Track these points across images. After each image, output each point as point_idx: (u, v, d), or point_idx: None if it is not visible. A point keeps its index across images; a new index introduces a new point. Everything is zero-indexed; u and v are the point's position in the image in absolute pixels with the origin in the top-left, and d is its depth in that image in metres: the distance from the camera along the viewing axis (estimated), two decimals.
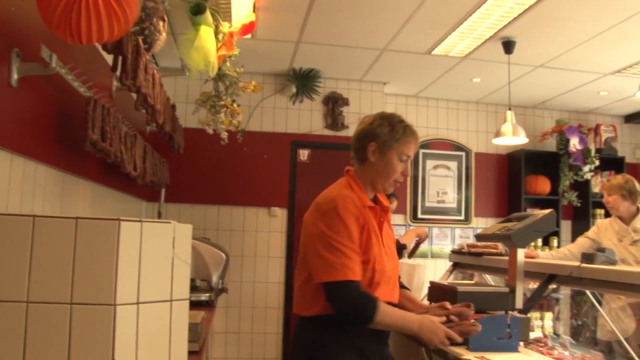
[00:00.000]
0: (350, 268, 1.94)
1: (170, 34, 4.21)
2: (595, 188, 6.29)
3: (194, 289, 3.41)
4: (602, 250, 2.68)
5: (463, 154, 6.45)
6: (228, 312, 5.50)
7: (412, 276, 3.82)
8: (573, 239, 4.96)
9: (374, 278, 2.03)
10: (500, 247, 3.28)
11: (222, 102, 3.89)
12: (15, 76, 1.95)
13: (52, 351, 1.31)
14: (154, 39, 2.84)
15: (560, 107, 6.56)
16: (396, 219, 6.08)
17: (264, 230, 5.62)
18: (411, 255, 3.39)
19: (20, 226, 1.34)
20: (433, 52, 4.85)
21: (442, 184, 6.39)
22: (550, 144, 6.49)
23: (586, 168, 6.23)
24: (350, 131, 5.76)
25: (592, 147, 6.33)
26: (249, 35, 4.08)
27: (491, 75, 5.41)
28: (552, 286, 2.80)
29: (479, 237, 3.23)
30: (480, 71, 5.34)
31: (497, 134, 4.94)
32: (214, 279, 3.55)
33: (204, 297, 3.46)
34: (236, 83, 3.92)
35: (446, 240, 6.33)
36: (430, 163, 6.35)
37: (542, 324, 3.41)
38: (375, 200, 2.21)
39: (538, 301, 2.93)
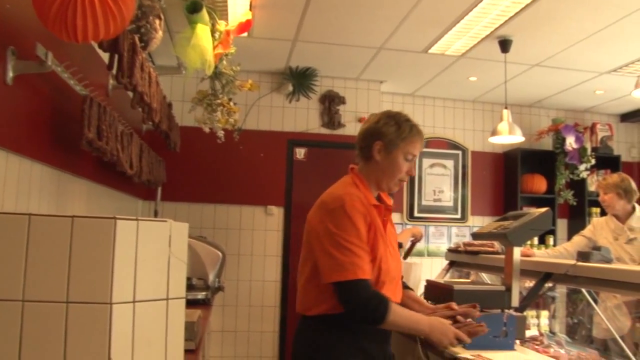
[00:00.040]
0: (360, 267, 1.93)
1: (167, 32, 4.19)
2: (591, 187, 6.30)
3: (190, 287, 3.41)
4: (597, 248, 2.69)
5: (459, 152, 6.46)
6: (224, 310, 5.50)
7: (408, 274, 3.81)
8: (569, 238, 4.98)
9: (380, 277, 2.02)
10: (497, 245, 3.28)
11: (219, 101, 3.88)
12: (10, 74, 1.95)
13: (48, 350, 1.30)
14: (150, 37, 2.83)
15: (557, 105, 6.57)
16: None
17: (260, 229, 5.62)
18: (407, 256, 3.40)
19: (15, 225, 1.34)
20: (430, 51, 4.85)
21: (438, 182, 6.39)
22: (547, 143, 6.51)
23: (582, 167, 6.25)
24: (347, 130, 5.77)
25: (588, 146, 6.35)
26: (245, 34, 4.08)
27: (487, 74, 5.42)
28: (548, 284, 2.81)
29: (475, 236, 3.24)
30: (476, 70, 5.34)
31: (494, 132, 4.95)
32: (211, 277, 3.55)
33: (201, 295, 3.46)
34: (233, 81, 3.91)
35: (442, 238, 6.34)
36: (426, 162, 6.35)
37: (538, 322, 3.43)
38: (379, 199, 2.21)
39: (534, 299, 2.94)
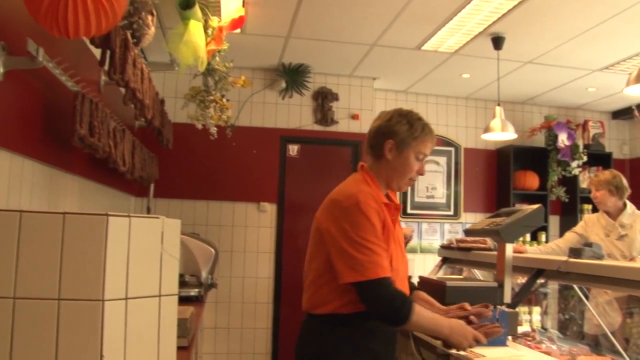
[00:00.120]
0: (380, 265, 1.89)
1: (159, 28, 4.17)
2: (583, 183, 6.34)
3: (183, 284, 3.41)
4: (589, 245, 2.70)
5: (452, 149, 6.47)
6: (217, 307, 5.49)
7: None
8: (561, 234, 5.00)
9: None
10: (489, 242, 3.30)
11: (212, 97, 3.87)
12: (0, 70, 1.93)
13: (39, 347, 1.30)
14: (143, 33, 2.82)
15: (549, 103, 6.60)
16: None
17: (253, 226, 5.61)
18: None
19: (7, 222, 1.33)
20: (423, 48, 4.85)
21: (431, 179, 6.41)
22: (539, 140, 6.54)
23: (574, 164, 6.28)
24: (340, 126, 5.77)
25: (580, 143, 6.38)
26: (238, 30, 4.07)
27: (480, 71, 5.43)
28: (540, 281, 2.83)
29: (468, 232, 3.25)
30: (469, 67, 5.35)
31: (486, 129, 4.97)
32: (203, 274, 3.55)
33: (193, 292, 3.46)
34: (225, 78, 3.90)
35: (435, 235, 6.35)
36: None
37: (530, 318, 3.44)
38: (387, 197, 2.17)
39: (526, 295, 2.95)
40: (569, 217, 6.41)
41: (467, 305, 2.20)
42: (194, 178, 5.50)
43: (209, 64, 3.62)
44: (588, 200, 5.48)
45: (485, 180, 6.56)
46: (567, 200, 6.32)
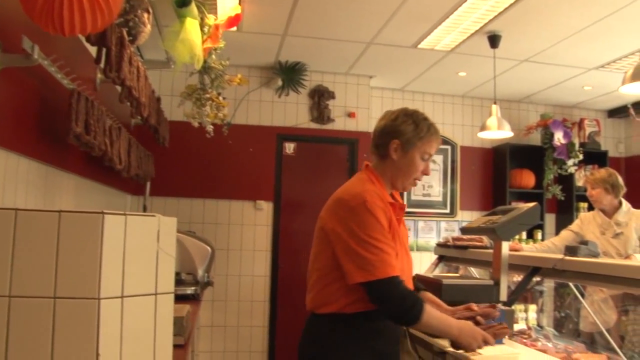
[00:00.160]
0: (389, 264, 1.88)
1: (155, 26, 4.17)
2: (579, 182, 6.35)
3: (179, 282, 3.41)
4: (585, 243, 2.71)
5: (449, 147, 6.47)
6: (214, 305, 5.49)
7: None
8: (557, 232, 5.01)
9: None
10: (485, 240, 3.31)
11: (208, 95, 3.87)
12: None
13: (35, 345, 1.29)
14: (139, 31, 2.81)
15: (545, 101, 6.61)
16: None
17: (249, 224, 5.61)
18: None
19: (2, 220, 1.32)
20: (419, 46, 4.85)
21: (427, 177, 6.35)
22: (535, 138, 6.54)
23: (570, 162, 6.29)
24: (336, 124, 5.76)
25: (576, 141, 6.39)
26: (234, 28, 4.06)
27: (477, 69, 5.43)
28: (536, 279, 2.83)
29: (464, 230, 3.26)
30: (465, 65, 5.36)
31: (483, 127, 4.97)
32: (200, 272, 3.55)
33: (190, 290, 3.45)
34: (222, 76, 3.90)
35: (431, 233, 6.36)
36: None
37: (526, 316, 3.45)
38: (392, 197, 2.16)
39: (522, 293, 2.96)
40: (565, 215, 6.43)
41: (474, 306, 2.20)
42: (190, 176, 5.49)
43: (205, 62, 3.62)
44: (584, 199, 5.49)
45: (482, 179, 6.57)
46: (563, 198, 6.34)
